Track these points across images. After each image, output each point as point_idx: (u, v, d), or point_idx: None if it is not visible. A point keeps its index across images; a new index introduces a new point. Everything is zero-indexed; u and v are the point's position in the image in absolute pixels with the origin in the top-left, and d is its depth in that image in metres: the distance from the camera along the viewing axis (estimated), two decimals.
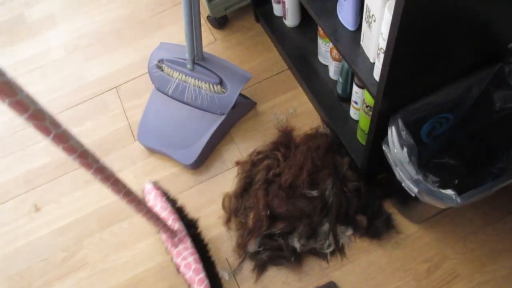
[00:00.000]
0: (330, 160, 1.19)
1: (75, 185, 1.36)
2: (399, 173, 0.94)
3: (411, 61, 0.79)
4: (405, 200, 1.13)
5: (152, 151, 1.37)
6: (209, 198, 1.28)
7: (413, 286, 1.10)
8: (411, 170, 0.88)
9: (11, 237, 1.30)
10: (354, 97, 1.19)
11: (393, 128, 0.92)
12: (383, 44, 0.81)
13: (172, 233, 1.04)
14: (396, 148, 0.90)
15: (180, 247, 1.06)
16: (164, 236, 1.07)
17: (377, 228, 1.14)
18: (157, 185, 1.18)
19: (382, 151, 0.96)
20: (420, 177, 0.87)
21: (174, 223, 1.09)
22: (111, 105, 1.50)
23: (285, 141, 1.28)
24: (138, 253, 1.23)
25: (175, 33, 1.62)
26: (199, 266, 1.03)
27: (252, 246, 1.13)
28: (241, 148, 1.34)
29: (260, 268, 1.14)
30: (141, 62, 1.56)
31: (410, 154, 0.89)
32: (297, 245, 1.13)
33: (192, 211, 1.21)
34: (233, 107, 1.30)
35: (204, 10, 1.53)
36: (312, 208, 1.14)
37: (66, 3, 1.80)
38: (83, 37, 1.69)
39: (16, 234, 1.30)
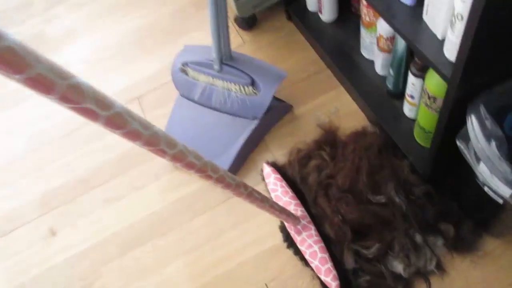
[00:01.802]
0: (387, 160, 1.01)
1: (94, 205, 1.22)
2: (482, 174, 0.74)
3: (502, 27, 0.62)
4: (481, 208, 0.93)
5: None
6: (243, 214, 1.11)
7: None
8: (504, 167, 0.69)
9: (25, 266, 1.16)
10: (409, 90, 1.01)
11: (474, 118, 0.73)
12: (461, 8, 0.64)
13: (295, 219, 0.93)
14: (480, 142, 0.72)
15: (304, 234, 0.96)
16: (286, 223, 1.00)
17: (465, 238, 0.94)
18: (275, 168, 1.09)
19: (452, 151, 0.78)
20: None
21: (296, 208, 1.00)
22: None
23: (330, 139, 1.11)
24: (164, 279, 1.07)
25: (200, 38, 1.49)
26: (326, 256, 0.93)
27: (349, 261, 0.94)
28: (277, 156, 1.18)
29: None
30: (164, 70, 1.44)
31: (499, 148, 0.71)
32: (400, 269, 0.92)
33: (225, 229, 1.04)
34: (267, 110, 1.14)
35: (232, 11, 1.40)
36: (389, 214, 0.95)
37: (87, 17, 1.71)
38: (103, 50, 1.58)
39: (30, 262, 1.16)
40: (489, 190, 0.77)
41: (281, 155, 1.17)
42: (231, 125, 1.16)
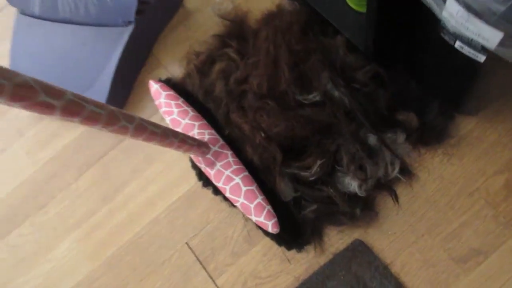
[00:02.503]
0: (314, 43, 0.71)
1: None
2: (452, 19, 0.47)
3: None
4: (449, 80, 0.67)
5: None
6: (142, 158, 0.82)
7: (489, 216, 0.67)
8: None
9: None
10: None
11: None
12: None
13: (201, 147, 0.66)
14: None
15: (218, 165, 0.69)
16: (193, 156, 0.72)
17: (433, 125, 0.69)
18: (165, 85, 0.79)
19: (398, 4, 0.49)
20: None
21: (202, 131, 0.71)
22: None
23: (237, 31, 0.80)
24: (54, 267, 0.79)
25: None
26: (253, 188, 0.67)
27: (286, 191, 0.69)
28: (174, 70, 0.86)
29: (315, 234, 0.70)
30: None
31: None
32: (355, 187, 0.67)
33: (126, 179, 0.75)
34: (147, 9, 0.80)
35: None
36: (328, 116, 0.68)
37: None
38: None
39: None
40: (463, 45, 0.50)
41: (179, 69, 0.85)
42: (96, 41, 0.82)
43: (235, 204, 0.67)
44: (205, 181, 0.74)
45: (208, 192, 0.76)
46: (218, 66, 0.77)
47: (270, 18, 0.78)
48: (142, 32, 0.83)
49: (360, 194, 0.66)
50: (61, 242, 0.80)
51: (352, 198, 0.67)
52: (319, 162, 0.67)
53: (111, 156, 0.83)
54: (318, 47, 0.71)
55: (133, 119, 0.49)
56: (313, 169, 0.67)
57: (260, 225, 0.66)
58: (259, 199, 0.65)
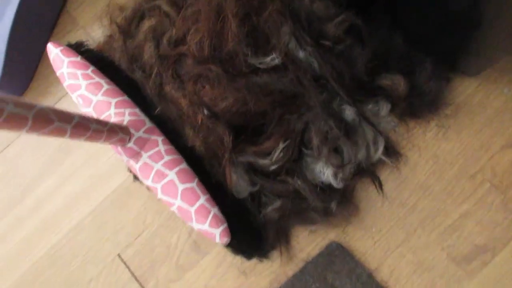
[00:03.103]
0: None
1: None
2: None
3: None
4: (444, 33, 0.52)
5: None
6: (63, 140, 0.64)
7: (496, 203, 0.54)
8: None
9: None
10: None
11: None
12: None
13: (118, 134, 0.47)
14: None
15: (145, 156, 0.51)
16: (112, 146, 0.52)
17: (424, 91, 0.54)
18: (70, 49, 0.57)
19: None
20: None
21: (121, 111, 0.52)
22: None
23: None
24: None
25: None
26: (193, 185, 0.49)
27: (239, 185, 0.52)
28: (96, 34, 0.67)
29: (281, 238, 0.55)
30: None
31: None
32: (329, 175, 0.51)
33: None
34: None
35: None
36: (292, 84, 0.51)
37: None
38: None
39: None
40: None
41: (99, 29, 0.66)
42: None
43: (171, 208, 0.50)
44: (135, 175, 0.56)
45: (144, 188, 0.59)
46: (147, 24, 0.58)
47: None
48: None
49: (336, 186, 0.51)
50: None
51: (325, 190, 0.52)
52: (281, 146, 0.51)
53: (17, 146, 0.65)
54: None
55: None
56: (274, 155, 0.51)
57: (205, 235, 0.49)
58: (202, 200, 0.48)
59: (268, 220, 0.53)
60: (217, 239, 0.48)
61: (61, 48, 0.55)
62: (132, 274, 0.58)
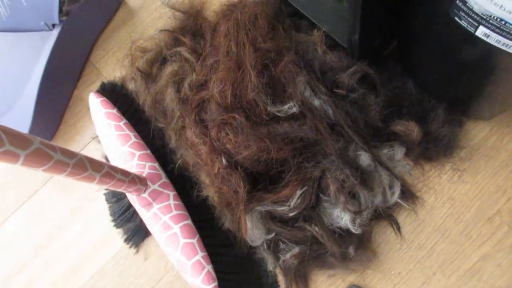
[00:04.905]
0: (285, 39, 0.56)
1: None
2: None
3: None
4: (458, 78, 0.53)
5: None
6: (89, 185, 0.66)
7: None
8: None
9: None
10: None
11: None
12: None
13: (137, 185, 0.51)
14: None
15: (156, 207, 0.54)
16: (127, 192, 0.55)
17: (439, 135, 0.55)
18: (108, 101, 0.63)
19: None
20: None
21: (143, 164, 0.56)
22: None
23: (191, 25, 0.65)
24: None
25: None
26: (193, 241, 0.52)
27: (254, 234, 0.54)
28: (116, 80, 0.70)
29: (299, 282, 0.55)
30: None
31: None
32: (347, 221, 0.52)
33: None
34: (70, 11, 0.64)
35: None
36: (309, 132, 0.53)
37: None
38: None
39: None
40: (490, 32, 0.36)
41: (119, 72, 0.70)
42: (14, 50, 0.66)
43: (170, 259, 0.53)
44: (132, 234, 0.59)
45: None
46: (169, 68, 0.61)
47: (231, 9, 0.63)
48: (73, 36, 0.67)
49: (354, 231, 0.52)
50: None
51: (343, 235, 0.53)
52: (299, 193, 0.52)
53: (44, 192, 0.67)
54: (291, 45, 0.56)
55: (29, 143, 0.34)
56: (292, 202, 0.52)
57: None
58: (199, 256, 0.51)
59: (288, 266, 0.54)
60: None
61: (101, 99, 0.60)
62: None
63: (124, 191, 0.50)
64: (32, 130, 0.64)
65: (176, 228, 0.52)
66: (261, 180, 0.54)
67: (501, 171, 0.56)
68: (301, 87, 0.55)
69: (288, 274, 0.54)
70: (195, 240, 0.52)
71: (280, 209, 0.52)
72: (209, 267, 0.50)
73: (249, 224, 0.51)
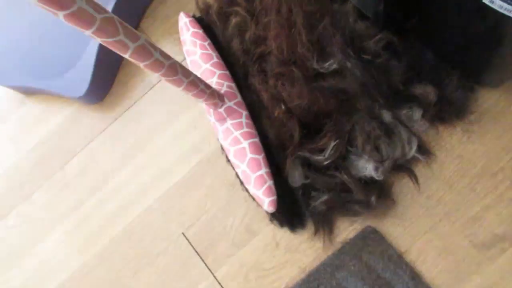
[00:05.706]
0: (323, 8, 0.64)
1: None
2: None
3: None
4: (470, 48, 0.60)
5: (24, 91, 0.82)
6: (134, 140, 0.76)
7: None
8: None
9: None
10: None
11: None
12: None
13: (215, 99, 0.59)
14: None
15: (229, 122, 0.62)
16: (205, 105, 0.63)
17: (452, 99, 0.62)
18: (196, 22, 0.71)
19: None
20: None
21: (221, 82, 0.64)
22: None
23: None
24: (41, 260, 0.74)
25: None
26: (259, 158, 0.60)
27: (295, 176, 0.62)
28: (168, 49, 0.79)
29: (325, 225, 0.64)
30: None
31: None
32: (371, 170, 0.60)
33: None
34: None
35: None
36: (347, 89, 0.61)
37: None
38: None
39: None
40: None
41: (172, 47, 0.78)
42: None
43: (236, 170, 0.61)
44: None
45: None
46: (234, 20, 0.69)
47: None
48: (126, 4, 0.76)
49: (377, 178, 0.60)
50: (48, 234, 0.75)
51: (367, 183, 0.61)
52: (332, 144, 0.60)
53: (98, 141, 0.77)
54: (329, 11, 0.63)
55: (136, 38, 0.42)
56: (327, 152, 0.60)
57: (256, 199, 0.59)
58: (263, 171, 0.58)
59: (317, 211, 0.62)
60: (265, 206, 0.57)
61: (190, 19, 0.69)
62: (194, 249, 0.68)
63: (203, 103, 0.58)
64: (88, 91, 0.73)
65: (245, 144, 0.59)
66: (305, 130, 0.62)
67: (506, 133, 0.63)
68: (337, 50, 0.63)
69: (317, 219, 0.62)
70: (261, 157, 0.59)
71: (317, 157, 0.60)
72: (270, 183, 0.58)
73: (292, 167, 0.60)
